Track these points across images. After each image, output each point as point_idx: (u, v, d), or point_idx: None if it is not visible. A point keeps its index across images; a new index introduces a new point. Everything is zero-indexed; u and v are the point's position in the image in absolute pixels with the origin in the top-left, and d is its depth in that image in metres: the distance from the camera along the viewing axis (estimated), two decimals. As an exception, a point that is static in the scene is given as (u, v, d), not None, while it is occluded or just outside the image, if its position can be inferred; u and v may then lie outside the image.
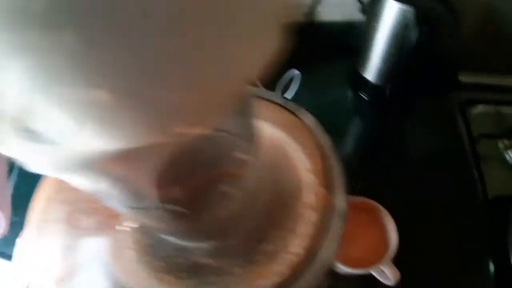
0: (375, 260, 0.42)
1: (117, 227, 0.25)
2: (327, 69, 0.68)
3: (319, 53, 0.69)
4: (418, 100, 0.65)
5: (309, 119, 0.29)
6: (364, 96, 0.64)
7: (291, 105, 0.31)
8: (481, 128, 0.64)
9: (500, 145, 0.66)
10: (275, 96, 0.31)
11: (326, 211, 0.25)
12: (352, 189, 0.46)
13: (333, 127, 0.61)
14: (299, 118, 0.29)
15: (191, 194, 0.23)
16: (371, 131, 0.63)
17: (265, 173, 0.27)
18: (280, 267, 0.24)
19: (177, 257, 0.24)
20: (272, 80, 0.47)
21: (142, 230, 0.25)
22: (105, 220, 0.26)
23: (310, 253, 0.24)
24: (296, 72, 0.56)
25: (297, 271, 0.24)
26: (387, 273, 0.43)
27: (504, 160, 0.64)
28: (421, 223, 0.53)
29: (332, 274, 0.28)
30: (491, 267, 0.50)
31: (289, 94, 0.52)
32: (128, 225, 0.25)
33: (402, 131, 0.63)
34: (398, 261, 0.44)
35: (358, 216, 0.48)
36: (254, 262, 0.24)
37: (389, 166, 0.59)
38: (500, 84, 0.70)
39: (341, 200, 0.26)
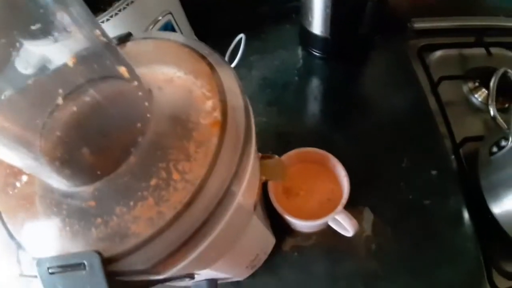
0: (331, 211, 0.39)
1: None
2: (277, 31, 0.65)
3: (267, 17, 0.66)
4: (373, 50, 0.62)
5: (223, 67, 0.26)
6: (315, 52, 0.61)
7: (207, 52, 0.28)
8: (443, 73, 0.61)
9: (465, 88, 0.63)
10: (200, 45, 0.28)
11: (219, 142, 0.22)
12: (307, 143, 0.43)
13: (286, 86, 0.60)
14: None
15: (99, 154, 0.22)
16: (326, 86, 0.60)
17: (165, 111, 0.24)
18: (170, 201, 0.20)
19: (63, 203, 0.22)
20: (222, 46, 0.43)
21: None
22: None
23: (200, 185, 0.21)
24: (241, 35, 0.53)
25: (187, 204, 0.20)
26: (343, 223, 0.39)
27: (470, 103, 0.61)
28: (385, 176, 0.50)
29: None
30: (466, 212, 0.47)
31: (237, 58, 0.49)
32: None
33: (357, 83, 0.60)
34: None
35: (310, 170, 0.44)
36: (141, 200, 0.21)
37: (350, 120, 0.56)
38: (454, 26, 0.67)
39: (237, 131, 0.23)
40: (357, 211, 0.41)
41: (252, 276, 0.45)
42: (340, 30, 0.55)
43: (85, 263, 0.20)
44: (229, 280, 0.44)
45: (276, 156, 0.37)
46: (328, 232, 0.47)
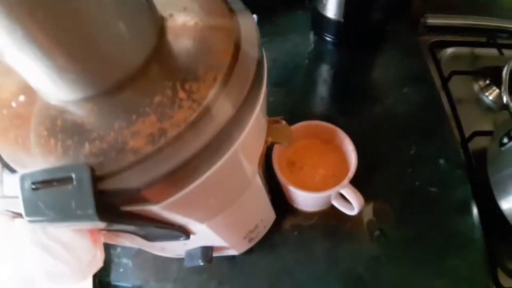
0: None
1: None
2: (289, 16, 0.64)
3: (280, 1, 0.64)
4: (385, 40, 0.61)
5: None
6: (327, 37, 0.59)
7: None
8: (454, 69, 0.59)
9: (476, 86, 0.61)
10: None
11: (229, 69, 0.21)
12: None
13: (295, 69, 0.58)
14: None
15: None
16: (336, 71, 0.59)
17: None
18: (173, 119, 0.19)
19: (58, 118, 0.20)
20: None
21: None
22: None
23: (207, 106, 0.19)
24: (253, 15, 0.52)
25: (191, 123, 0.19)
26: (348, 198, 0.37)
27: (480, 102, 0.60)
28: (392, 161, 0.48)
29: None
30: (473, 203, 0.45)
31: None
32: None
33: (368, 71, 0.59)
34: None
35: (317, 145, 0.43)
36: (143, 116, 0.19)
37: (359, 106, 0.54)
38: (468, 25, 0.66)
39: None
40: (362, 194, 0.39)
41: (249, 251, 0.43)
42: (354, 13, 0.54)
43: (73, 176, 0.18)
44: (225, 254, 0.42)
45: (284, 122, 0.35)
46: (331, 212, 0.45)
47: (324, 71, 0.59)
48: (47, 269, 0.32)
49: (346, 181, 0.37)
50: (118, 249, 0.48)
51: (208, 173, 0.21)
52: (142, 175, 0.18)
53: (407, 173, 0.48)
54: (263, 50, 0.24)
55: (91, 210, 0.18)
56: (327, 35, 0.59)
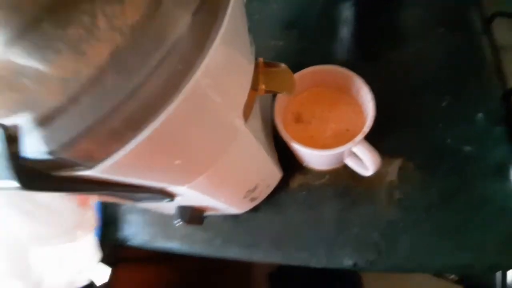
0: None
1: None
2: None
3: None
4: None
5: None
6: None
7: None
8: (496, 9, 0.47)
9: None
10: None
11: None
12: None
13: (310, 6, 0.49)
14: None
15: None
16: (359, 10, 0.49)
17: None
18: (91, 54, 0.13)
19: None
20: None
21: None
22: None
23: (134, 35, 0.13)
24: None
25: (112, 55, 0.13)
26: (361, 157, 0.31)
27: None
28: (420, 114, 0.41)
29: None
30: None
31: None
32: None
33: (395, 9, 0.49)
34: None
35: (327, 95, 0.36)
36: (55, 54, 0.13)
37: (383, 49, 0.45)
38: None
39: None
40: (382, 151, 0.33)
41: (254, 210, 0.39)
42: None
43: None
44: (228, 213, 0.38)
45: (283, 65, 0.29)
46: (344, 172, 0.39)
47: (345, 9, 0.49)
48: (30, 232, 0.30)
49: (359, 137, 0.31)
50: (125, 205, 0.46)
51: (155, 123, 0.16)
52: (57, 133, 0.14)
53: (437, 128, 0.40)
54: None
55: (11, 177, 0.14)
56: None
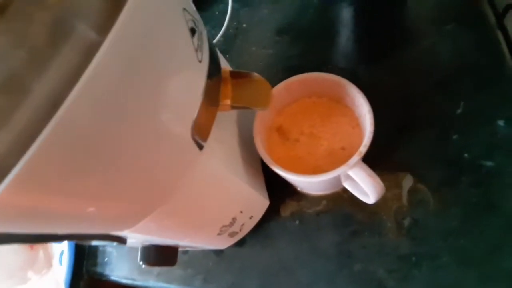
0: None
1: None
2: None
3: None
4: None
5: None
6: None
7: None
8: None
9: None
10: None
11: None
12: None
13: (303, 9, 0.44)
14: None
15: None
16: (358, 9, 0.43)
17: None
18: None
19: None
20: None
21: None
22: None
23: None
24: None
25: None
26: (359, 182, 0.24)
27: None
28: (432, 124, 0.34)
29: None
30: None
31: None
32: None
33: (400, 5, 0.42)
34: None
35: (318, 107, 0.30)
36: None
37: (387, 49, 0.39)
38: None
39: None
40: (388, 170, 0.26)
41: (239, 244, 0.32)
42: None
43: None
44: (207, 248, 0.32)
45: (256, 74, 0.23)
46: (344, 197, 0.32)
47: (342, 8, 0.43)
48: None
49: (355, 159, 0.24)
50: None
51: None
52: None
53: (451, 140, 0.33)
54: None
55: None
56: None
